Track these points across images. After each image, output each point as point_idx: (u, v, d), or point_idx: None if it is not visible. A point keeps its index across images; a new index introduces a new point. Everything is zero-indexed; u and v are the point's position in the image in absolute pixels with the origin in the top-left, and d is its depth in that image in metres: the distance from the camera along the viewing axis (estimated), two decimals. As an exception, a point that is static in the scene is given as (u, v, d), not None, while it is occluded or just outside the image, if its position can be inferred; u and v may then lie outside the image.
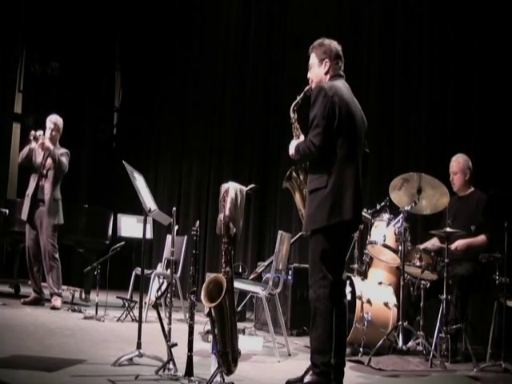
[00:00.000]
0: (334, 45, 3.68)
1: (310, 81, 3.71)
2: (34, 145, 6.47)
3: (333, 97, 3.45)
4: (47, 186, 6.45)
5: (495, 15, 5.96)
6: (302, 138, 3.63)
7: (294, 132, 3.69)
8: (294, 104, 3.73)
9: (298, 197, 3.75)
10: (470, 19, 6.16)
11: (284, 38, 8.46)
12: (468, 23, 6.18)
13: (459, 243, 5.03)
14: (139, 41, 11.03)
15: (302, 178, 3.71)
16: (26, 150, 6.52)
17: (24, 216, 6.52)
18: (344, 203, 3.42)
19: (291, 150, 3.58)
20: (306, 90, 3.69)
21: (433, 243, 5.28)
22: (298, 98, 3.71)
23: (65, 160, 6.47)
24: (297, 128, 3.69)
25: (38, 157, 6.53)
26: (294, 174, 3.73)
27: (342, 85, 3.59)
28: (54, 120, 6.60)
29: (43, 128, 6.59)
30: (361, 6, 7.35)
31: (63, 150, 6.54)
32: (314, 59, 3.68)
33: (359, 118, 3.62)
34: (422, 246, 5.13)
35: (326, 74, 3.63)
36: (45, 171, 6.49)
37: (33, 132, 6.49)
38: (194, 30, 10.05)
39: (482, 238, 5.06)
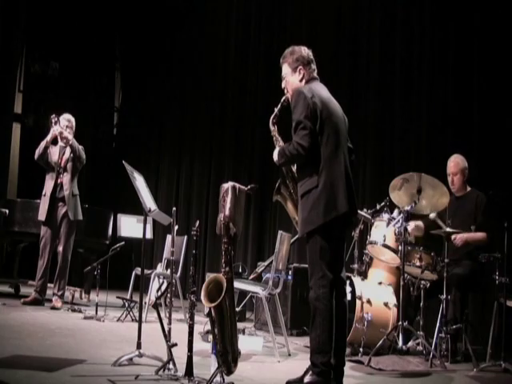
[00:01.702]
0: (305, 50, 3.71)
1: (285, 91, 3.74)
2: (50, 137, 6.50)
3: (312, 98, 3.49)
4: (66, 180, 6.49)
5: (495, 14, 5.96)
6: (283, 145, 3.65)
7: (276, 144, 3.72)
8: (272, 117, 3.77)
9: (290, 206, 3.75)
10: (470, 19, 6.16)
11: (284, 39, 8.45)
12: (468, 23, 6.18)
13: (458, 237, 5.01)
14: (139, 41, 11.03)
15: (291, 187, 3.71)
16: (42, 144, 6.53)
17: (42, 216, 6.50)
18: (338, 198, 3.45)
19: (275, 157, 3.61)
20: (282, 100, 3.74)
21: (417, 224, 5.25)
22: (276, 110, 3.75)
23: (82, 152, 6.57)
24: (278, 140, 3.72)
25: (54, 155, 6.56)
26: (282, 185, 3.74)
27: (318, 86, 3.64)
28: (67, 117, 6.68)
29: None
30: (361, 6, 7.35)
31: (80, 146, 6.61)
32: (286, 69, 3.71)
33: (340, 115, 3.66)
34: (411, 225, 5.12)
35: (301, 80, 3.67)
36: (62, 168, 6.53)
37: (54, 115, 6.54)
38: (194, 30, 10.05)
39: (481, 234, 5.03)
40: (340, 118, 3.65)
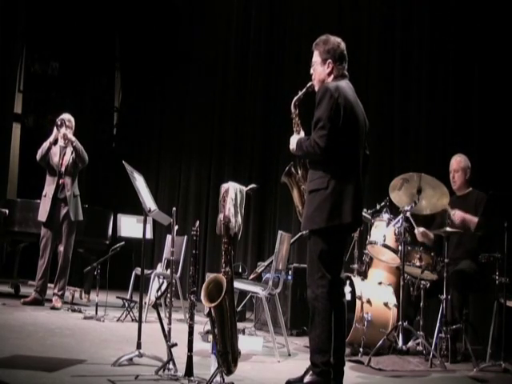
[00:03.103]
0: (340, 44, 3.62)
1: (312, 77, 3.68)
2: (53, 138, 6.53)
3: (338, 98, 3.42)
4: (67, 181, 6.52)
5: (495, 13, 5.95)
6: (302, 133, 3.63)
7: (294, 127, 3.67)
8: (295, 99, 3.70)
9: (295, 193, 3.74)
10: (471, 18, 6.15)
11: (284, 40, 8.46)
12: (468, 22, 6.17)
13: (457, 213, 5.00)
14: (139, 41, 11.03)
15: (300, 174, 3.70)
16: (45, 145, 6.55)
17: (43, 217, 6.51)
18: (344, 206, 3.41)
19: (292, 145, 3.56)
20: (308, 86, 3.67)
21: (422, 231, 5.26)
22: (300, 93, 3.68)
23: (85, 153, 6.60)
24: (297, 123, 3.67)
25: (55, 156, 6.58)
26: (293, 169, 3.72)
27: (346, 85, 3.56)
28: (68, 118, 6.70)
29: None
30: (361, 6, 7.34)
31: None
32: (316, 57, 3.63)
33: (362, 119, 3.60)
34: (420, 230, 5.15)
35: (330, 74, 3.59)
36: (63, 169, 6.54)
37: (59, 118, 6.58)
38: (194, 30, 10.06)
39: (476, 219, 4.99)
40: (361, 123, 3.58)
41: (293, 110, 3.71)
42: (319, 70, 3.62)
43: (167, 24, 10.51)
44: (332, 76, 3.59)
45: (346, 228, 3.49)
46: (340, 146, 3.42)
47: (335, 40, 3.64)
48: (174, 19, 10.40)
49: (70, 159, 6.55)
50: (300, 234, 5.62)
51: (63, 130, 6.52)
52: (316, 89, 3.60)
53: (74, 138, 6.55)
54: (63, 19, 10.54)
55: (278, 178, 3.80)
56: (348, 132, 3.46)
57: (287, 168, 3.74)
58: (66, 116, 6.70)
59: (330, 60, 3.58)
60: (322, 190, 3.42)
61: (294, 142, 3.56)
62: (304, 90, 3.67)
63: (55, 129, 6.57)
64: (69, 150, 6.58)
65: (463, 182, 5.27)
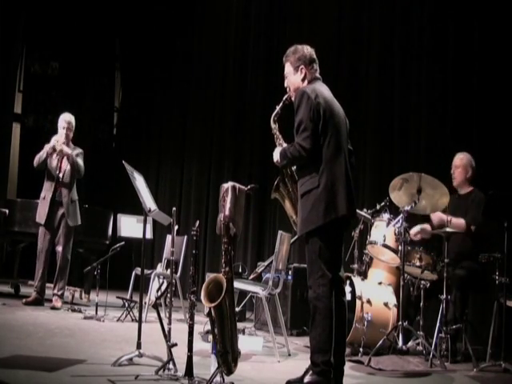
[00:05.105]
0: (308, 49, 3.72)
1: (287, 89, 3.75)
2: (50, 149, 6.48)
3: (316, 99, 3.50)
4: (65, 187, 6.49)
5: (495, 13, 5.96)
6: (285, 145, 3.67)
7: (276, 142, 3.73)
8: (273, 114, 3.78)
9: (288, 204, 3.76)
10: (470, 17, 6.15)
11: (284, 40, 8.45)
12: (468, 21, 6.18)
13: (434, 215, 5.05)
14: (139, 41, 11.03)
15: (289, 186, 3.72)
16: (43, 152, 6.49)
17: (41, 220, 6.50)
18: (338, 200, 3.46)
19: (276, 157, 3.62)
20: (284, 99, 3.75)
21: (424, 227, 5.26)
22: (278, 107, 3.76)
23: (81, 162, 6.53)
24: (279, 137, 3.74)
25: (53, 161, 6.55)
26: (281, 183, 3.75)
27: (321, 86, 3.64)
28: (68, 119, 6.64)
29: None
30: (361, 6, 7.34)
31: (78, 151, 6.60)
32: (288, 68, 3.72)
33: (342, 116, 3.67)
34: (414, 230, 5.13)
35: (303, 80, 3.67)
36: (61, 174, 6.52)
37: (52, 144, 6.46)
38: (194, 31, 10.06)
39: (460, 221, 5.02)
40: (342, 120, 3.66)
41: (272, 125, 3.78)
42: (292, 79, 3.71)
43: (167, 24, 10.50)
44: (306, 81, 3.67)
45: (341, 222, 3.52)
46: (324, 144, 3.49)
47: (303, 47, 3.73)
48: (174, 19, 10.39)
49: (67, 166, 6.52)
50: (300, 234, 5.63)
51: (59, 148, 6.44)
52: (293, 99, 3.65)
53: (70, 152, 6.46)
54: (63, 19, 10.54)
55: (278, 176, 3.80)
56: (330, 129, 3.52)
57: (275, 183, 3.76)
58: (67, 117, 6.64)
59: (302, 66, 3.67)
60: (314, 189, 3.46)
61: (277, 153, 3.62)
62: (281, 103, 3.76)
63: (52, 147, 6.46)
64: None
65: (463, 179, 5.27)
